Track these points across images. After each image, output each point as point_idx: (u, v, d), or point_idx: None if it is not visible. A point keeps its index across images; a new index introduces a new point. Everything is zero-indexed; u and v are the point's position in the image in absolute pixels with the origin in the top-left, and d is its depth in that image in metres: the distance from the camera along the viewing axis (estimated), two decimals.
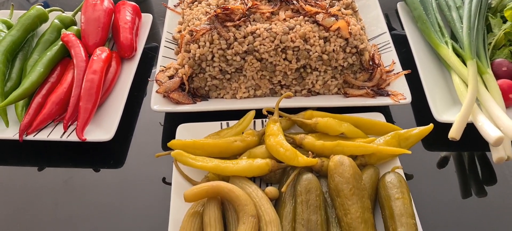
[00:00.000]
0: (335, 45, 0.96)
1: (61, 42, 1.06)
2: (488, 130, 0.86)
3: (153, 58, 1.17)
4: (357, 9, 1.12)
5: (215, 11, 0.97)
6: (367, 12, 1.17)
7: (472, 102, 0.90)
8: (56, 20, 1.12)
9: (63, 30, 1.09)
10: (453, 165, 0.94)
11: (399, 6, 1.19)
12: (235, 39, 0.95)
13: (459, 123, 0.88)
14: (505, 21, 1.07)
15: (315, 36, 0.96)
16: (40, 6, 1.14)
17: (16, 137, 0.92)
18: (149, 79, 1.10)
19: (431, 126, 0.86)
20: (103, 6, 1.12)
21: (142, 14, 1.18)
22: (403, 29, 1.14)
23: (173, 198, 0.81)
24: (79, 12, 1.15)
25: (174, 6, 1.20)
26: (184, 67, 0.98)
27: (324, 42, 0.96)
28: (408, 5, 1.16)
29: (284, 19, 0.99)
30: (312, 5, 1.01)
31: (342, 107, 0.96)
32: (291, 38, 0.95)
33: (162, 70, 1.02)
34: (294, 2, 1.02)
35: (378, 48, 1.08)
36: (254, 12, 1.00)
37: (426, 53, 1.08)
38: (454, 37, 1.08)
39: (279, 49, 0.95)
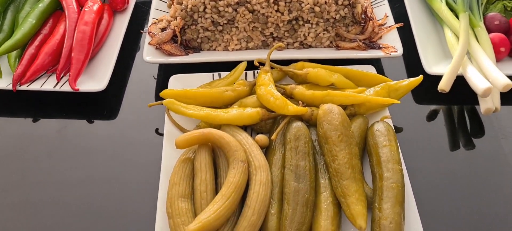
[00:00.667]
0: None
1: None
2: (477, 81, 0.86)
3: (146, 13, 1.16)
4: None
5: None
6: None
7: (462, 54, 0.91)
8: None
9: None
10: (442, 118, 0.95)
11: None
12: None
13: (449, 74, 0.88)
14: None
15: None
16: None
17: (10, 87, 0.93)
18: (141, 31, 1.10)
19: (420, 77, 0.87)
20: None
21: None
22: None
23: (165, 146, 0.81)
24: None
25: None
26: (177, 19, 0.97)
27: None
28: None
29: None
30: None
31: (333, 60, 0.96)
32: None
33: (155, 23, 1.01)
34: None
35: (371, 2, 1.07)
36: None
37: (420, 7, 1.08)
38: None
39: (271, 0, 0.94)
